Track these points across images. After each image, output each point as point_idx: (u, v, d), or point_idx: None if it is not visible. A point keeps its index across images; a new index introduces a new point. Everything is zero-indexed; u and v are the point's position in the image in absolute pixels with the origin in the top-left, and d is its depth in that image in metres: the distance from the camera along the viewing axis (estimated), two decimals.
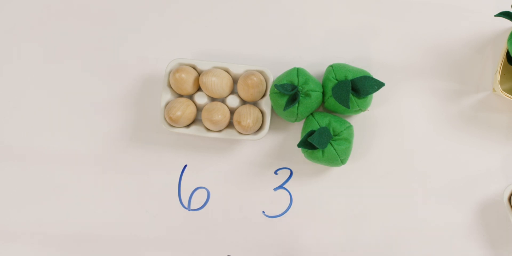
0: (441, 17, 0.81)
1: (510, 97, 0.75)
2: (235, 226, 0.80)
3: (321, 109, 0.81)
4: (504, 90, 0.76)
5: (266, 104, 0.78)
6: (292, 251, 0.78)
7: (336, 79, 0.75)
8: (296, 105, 0.74)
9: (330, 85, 0.75)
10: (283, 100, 0.74)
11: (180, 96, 0.80)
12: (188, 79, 0.76)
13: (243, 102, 0.80)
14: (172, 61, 0.78)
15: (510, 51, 0.72)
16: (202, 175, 0.82)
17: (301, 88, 0.74)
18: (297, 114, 0.75)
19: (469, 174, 0.79)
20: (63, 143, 0.83)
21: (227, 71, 0.78)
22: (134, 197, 0.82)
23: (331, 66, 0.76)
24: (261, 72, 0.77)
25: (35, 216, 0.82)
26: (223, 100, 0.79)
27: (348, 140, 0.75)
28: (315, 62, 0.81)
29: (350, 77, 0.74)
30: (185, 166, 0.82)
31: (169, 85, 0.78)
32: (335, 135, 0.75)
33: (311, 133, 0.74)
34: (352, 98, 0.74)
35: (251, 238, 0.81)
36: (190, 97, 0.80)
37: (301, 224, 0.80)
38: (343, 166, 0.78)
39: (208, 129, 0.78)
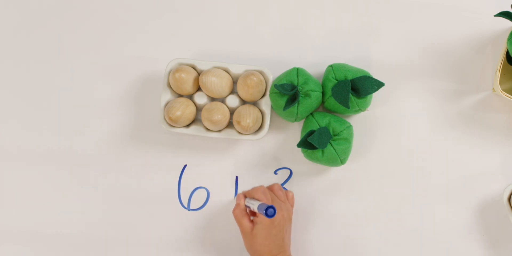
0: (441, 17, 0.81)
1: (510, 97, 0.75)
2: (235, 226, 0.80)
3: (321, 109, 0.80)
4: (504, 90, 0.76)
5: (266, 104, 0.78)
6: (292, 251, 0.77)
7: (336, 79, 0.75)
8: (296, 105, 0.74)
9: (330, 85, 0.75)
10: (283, 100, 0.74)
11: (180, 96, 0.80)
12: (188, 79, 0.76)
13: (243, 102, 0.80)
14: (172, 61, 0.78)
15: (510, 51, 0.72)
16: (202, 175, 0.82)
17: (301, 88, 0.74)
18: (297, 114, 0.75)
19: (469, 174, 0.79)
20: (63, 143, 0.83)
21: (227, 71, 0.78)
22: (134, 197, 0.82)
23: (331, 66, 0.76)
24: (261, 72, 0.77)
25: (35, 216, 0.82)
26: (223, 100, 0.79)
27: (348, 140, 0.75)
28: (315, 62, 0.81)
29: (350, 77, 0.74)
30: (185, 166, 0.82)
31: (169, 85, 0.78)
32: (334, 135, 0.75)
33: (311, 133, 0.74)
34: (352, 98, 0.74)
35: None
36: (190, 97, 0.80)
37: (301, 224, 0.80)
38: (343, 166, 0.78)
39: (208, 129, 0.78)
